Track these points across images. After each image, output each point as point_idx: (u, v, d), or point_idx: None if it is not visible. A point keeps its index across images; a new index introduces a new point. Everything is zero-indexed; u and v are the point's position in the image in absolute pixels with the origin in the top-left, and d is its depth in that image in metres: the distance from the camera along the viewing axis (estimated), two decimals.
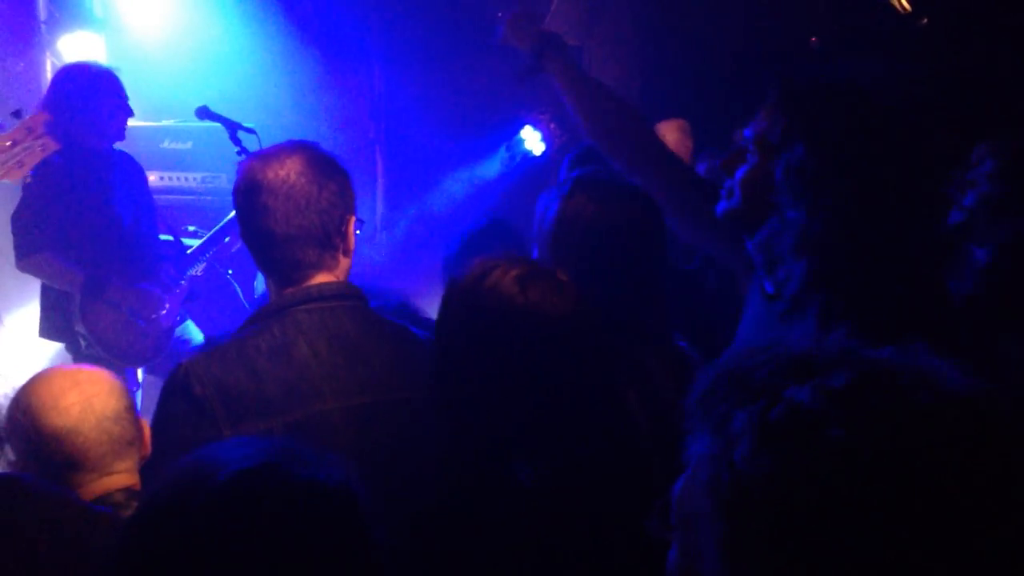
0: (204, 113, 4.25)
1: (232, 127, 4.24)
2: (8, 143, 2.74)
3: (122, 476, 1.65)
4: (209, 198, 5.27)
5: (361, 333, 1.92)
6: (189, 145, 5.28)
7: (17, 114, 2.88)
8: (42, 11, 5.54)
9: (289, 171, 1.89)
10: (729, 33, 5.44)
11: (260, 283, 5.34)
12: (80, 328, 3.81)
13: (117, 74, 4.00)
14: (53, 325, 3.93)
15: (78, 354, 3.88)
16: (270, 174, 1.89)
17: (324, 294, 1.90)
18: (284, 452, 1.03)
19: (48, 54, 5.58)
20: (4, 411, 1.61)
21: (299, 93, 5.84)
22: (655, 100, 5.57)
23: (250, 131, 4.28)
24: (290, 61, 5.77)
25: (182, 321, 4.20)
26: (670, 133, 5.19)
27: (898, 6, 4.03)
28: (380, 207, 6.26)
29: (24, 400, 1.61)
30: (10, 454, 1.62)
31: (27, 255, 3.78)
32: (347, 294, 1.94)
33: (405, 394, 1.92)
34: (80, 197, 3.84)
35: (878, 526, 0.78)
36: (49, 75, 5.66)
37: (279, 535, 0.94)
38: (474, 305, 1.46)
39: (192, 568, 0.93)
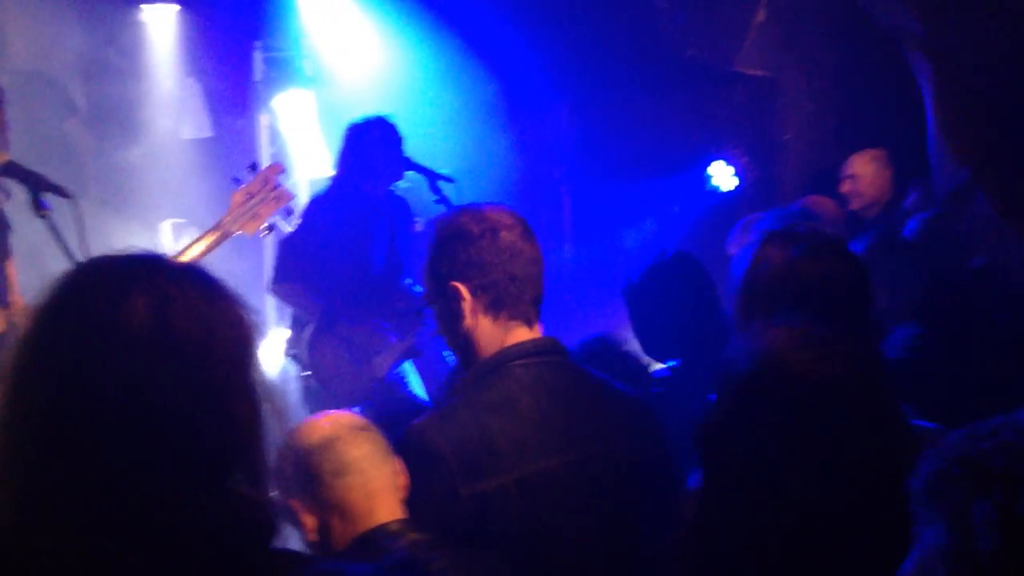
0: (406, 164, 4.42)
1: (432, 177, 4.38)
2: (244, 197, 2.88)
3: (392, 507, 1.75)
4: None
5: (573, 388, 1.95)
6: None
7: (253, 167, 2.99)
8: (258, 72, 6.01)
9: (508, 215, 1.96)
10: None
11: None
12: (303, 355, 4.09)
13: (392, 121, 4.27)
14: (291, 345, 4.28)
15: (295, 379, 4.19)
16: (500, 216, 1.95)
17: (538, 349, 1.94)
18: None
19: (263, 111, 6.04)
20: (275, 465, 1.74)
21: (488, 138, 6.02)
22: (854, 129, 5.36)
23: (449, 180, 4.42)
24: (481, 108, 5.97)
25: (400, 376, 4.31)
26: (865, 164, 4.99)
27: None
28: (568, 248, 6.33)
29: (286, 442, 1.77)
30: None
31: (279, 282, 4.18)
32: (555, 349, 1.98)
33: (615, 447, 1.94)
34: (339, 238, 4.12)
35: None
36: (264, 131, 6.13)
37: None
38: (766, 373, 1.42)
39: None
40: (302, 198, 5.01)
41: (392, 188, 4.39)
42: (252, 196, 2.89)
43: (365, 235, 4.22)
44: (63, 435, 1.08)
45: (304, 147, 5.97)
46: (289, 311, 4.53)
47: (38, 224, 2.40)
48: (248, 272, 4.96)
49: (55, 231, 2.38)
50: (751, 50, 4.88)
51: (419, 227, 5.79)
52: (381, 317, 4.20)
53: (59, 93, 5.61)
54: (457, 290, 1.92)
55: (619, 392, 2.05)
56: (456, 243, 1.93)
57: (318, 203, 4.29)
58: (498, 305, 1.93)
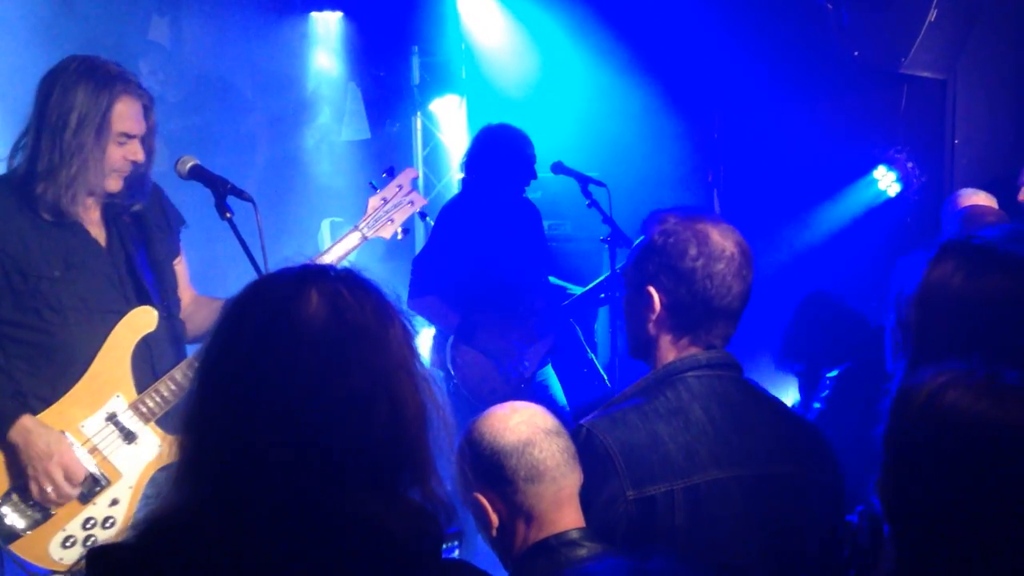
0: (559, 168, 4.44)
1: (583, 181, 4.40)
2: (379, 202, 2.94)
3: (575, 515, 1.76)
4: (553, 244, 5.54)
5: (746, 403, 1.93)
6: (538, 195, 5.59)
7: (390, 172, 3.03)
8: (415, 76, 6.18)
9: (734, 244, 1.91)
10: None
11: (600, 326, 5.52)
12: (449, 366, 4.15)
13: (527, 136, 4.32)
14: (437, 359, 4.34)
15: (448, 392, 4.24)
16: (726, 244, 1.89)
17: (712, 362, 1.92)
18: None
19: (419, 115, 6.21)
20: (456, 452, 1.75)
21: (641, 141, 5.97)
22: None
23: (600, 184, 4.42)
24: (632, 111, 5.93)
25: (544, 380, 4.37)
26: None
27: None
28: None
29: (475, 433, 1.78)
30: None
31: (417, 296, 4.19)
32: (730, 364, 1.96)
33: (789, 468, 1.91)
34: (472, 248, 4.18)
35: None
36: (420, 134, 6.29)
37: None
38: (934, 419, 1.35)
39: None
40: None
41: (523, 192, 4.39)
42: (387, 201, 2.94)
43: (496, 241, 4.24)
44: (248, 425, 1.13)
45: (456, 150, 6.10)
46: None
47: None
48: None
49: (236, 232, 2.51)
50: (921, 51, 4.64)
51: (565, 229, 5.83)
52: (520, 317, 4.22)
53: (232, 96, 5.93)
54: (651, 298, 1.93)
55: (794, 415, 2.02)
56: (667, 257, 1.91)
57: (449, 211, 4.32)
58: (685, 329, 1.93)
